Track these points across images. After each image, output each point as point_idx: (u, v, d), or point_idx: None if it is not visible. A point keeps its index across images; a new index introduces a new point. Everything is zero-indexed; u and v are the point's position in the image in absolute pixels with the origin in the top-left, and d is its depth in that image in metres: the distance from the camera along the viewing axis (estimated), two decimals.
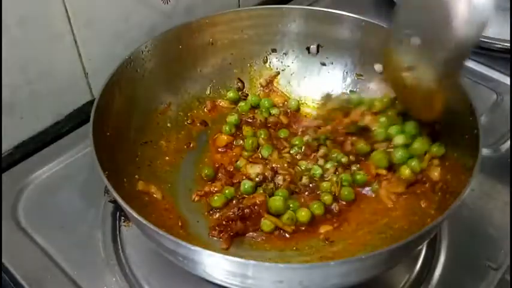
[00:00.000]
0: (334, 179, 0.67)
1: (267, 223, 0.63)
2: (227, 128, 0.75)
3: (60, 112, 0.79)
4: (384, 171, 0.67)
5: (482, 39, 0.87)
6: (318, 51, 0.80)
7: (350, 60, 0.78)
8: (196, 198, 0.67)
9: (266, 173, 0.68)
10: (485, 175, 0.70)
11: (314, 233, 0.63)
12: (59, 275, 0.61)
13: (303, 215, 0.64)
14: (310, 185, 0.68)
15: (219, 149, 0.74)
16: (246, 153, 0.72)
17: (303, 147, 0.72)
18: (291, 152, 0.72)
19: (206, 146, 0.75)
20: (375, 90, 0.76)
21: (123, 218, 0.67)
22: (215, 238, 0.62)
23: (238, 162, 0.71)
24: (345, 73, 0.79)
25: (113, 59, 0.68)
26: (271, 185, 0.67)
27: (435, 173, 0.64)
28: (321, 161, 0.70)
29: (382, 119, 0.69)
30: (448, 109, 0.62)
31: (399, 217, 0.63)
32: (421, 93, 0.61)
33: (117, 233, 0.65)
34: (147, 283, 0.60)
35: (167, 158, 0.71)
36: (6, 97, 0.70)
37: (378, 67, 0.76)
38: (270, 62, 0.81)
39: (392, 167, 0.67)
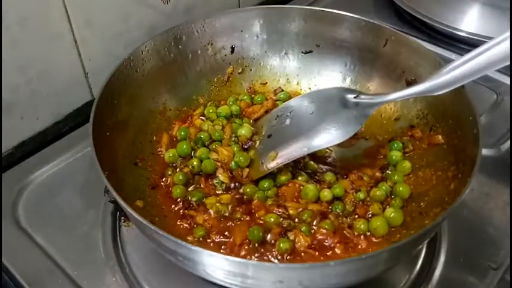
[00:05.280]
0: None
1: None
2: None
3: (60, 112, 0.79)
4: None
5: (483, 39, 0.87)
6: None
7: (350, 60, 0.78)
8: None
9: None
10: (485, 175, 0.70)
11: None
12: (59, 275, 0.61)
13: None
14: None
15: None
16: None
17: None
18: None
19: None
20: (374, 90, 0.76)
21: (123, 218, 0.67)
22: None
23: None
24: (344, 73, 0.79)
25: (113, 59, 0.68)
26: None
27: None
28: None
29: None
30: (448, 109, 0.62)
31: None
32: None
33: (117, 233, 0.65)
34: (147, 283, 0.60)
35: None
36: (6, 97, 0.70)
37: None
38: (270, 62, 0.81)
39: None
